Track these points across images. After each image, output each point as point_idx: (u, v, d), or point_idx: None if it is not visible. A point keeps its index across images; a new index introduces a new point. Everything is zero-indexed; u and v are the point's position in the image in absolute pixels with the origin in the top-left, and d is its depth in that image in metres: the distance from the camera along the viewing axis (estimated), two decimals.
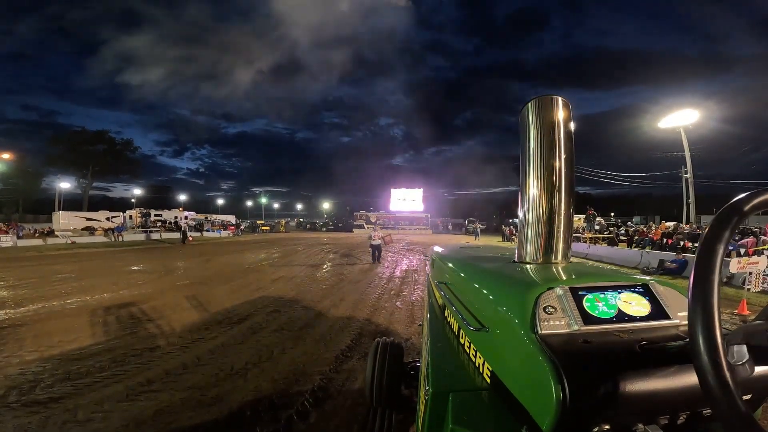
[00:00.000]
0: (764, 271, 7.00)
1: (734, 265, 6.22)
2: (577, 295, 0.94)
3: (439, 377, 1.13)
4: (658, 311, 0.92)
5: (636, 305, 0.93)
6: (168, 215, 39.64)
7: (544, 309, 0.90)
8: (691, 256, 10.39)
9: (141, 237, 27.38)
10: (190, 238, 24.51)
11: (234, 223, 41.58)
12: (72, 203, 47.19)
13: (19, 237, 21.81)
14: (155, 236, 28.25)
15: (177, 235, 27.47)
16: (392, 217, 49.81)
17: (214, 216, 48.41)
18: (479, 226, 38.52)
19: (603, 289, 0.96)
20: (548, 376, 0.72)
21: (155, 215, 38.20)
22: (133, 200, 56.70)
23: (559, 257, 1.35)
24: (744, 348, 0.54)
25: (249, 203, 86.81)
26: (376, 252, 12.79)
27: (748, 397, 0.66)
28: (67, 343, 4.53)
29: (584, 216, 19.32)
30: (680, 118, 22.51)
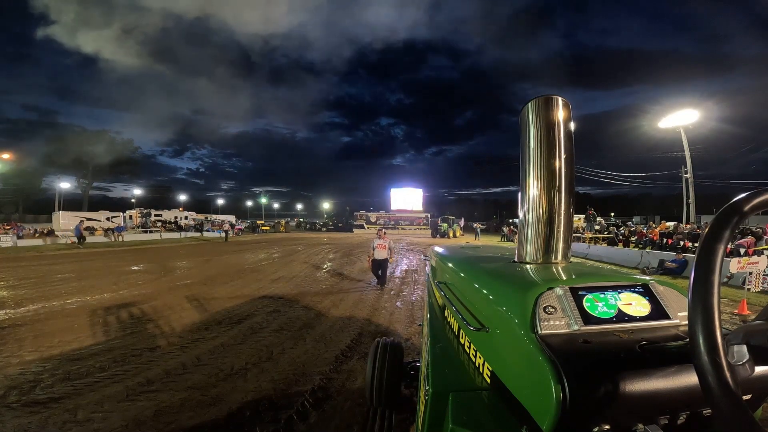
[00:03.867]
0: (764, 271, 6.99)
1: (734, 265, 6.21)
2: (577, 295, 0.94)
3: (439, 377, 1.13)
4: (658, 311, 0.92)
5: (636, 305, 0.93)
6: (168, 215, 39.64)
7: (544, 309, 0.90)
8: (691, 256, 10.39)
9: (176, 235, 31.21)
10: (232, 235, 30.30)
11: (232, 223, 41.34)
12: (72, 203, 47.28)
13: (19, 237, 21.82)
14: (195, 234, 33.00)
15: (178, 235, 30.92)
16: (392, 217, 49.75)
17: (214, 216, 48.41)
18: (480, 225, 37.43)
19: (603, 289, 0.96)
20: (548, 376, 0.72)
21: (155, 215, 38.19)
22: (133, 200, 56.79)
23: (559, 257, 1.35)
24: (744, 348, 0.54)
25: (249, 203, 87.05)
26: (379, 270, 8.03)
27: (748, 397, 0.66)
28: (67, 343, 4.53)
29: (584, 216, 19.32)
30: (680, 118, 22.52)
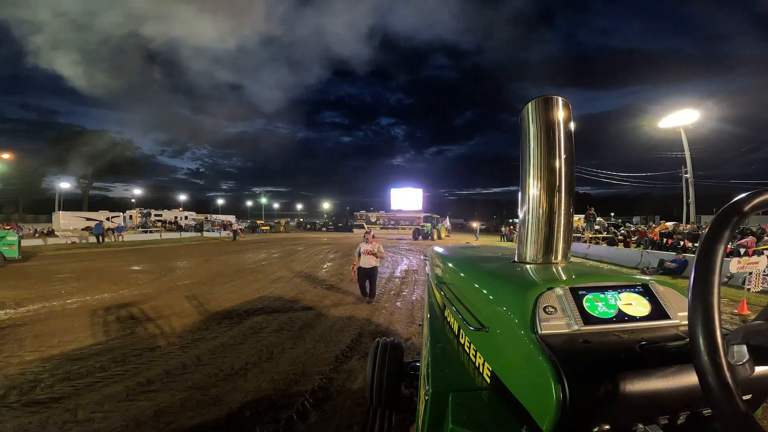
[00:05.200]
0: (764, 271, 6.99)
1: (734, 265, 6.21)
2: (577, 295, 0.94)
3: (439, 377, 1.13)
4: (658, 311, 0.92)
5: (636, 305, 0.93)
6: (168, 215, 39.64)
7: (544, 309, 0.90)
8: (691, 256, 10.39)
9: (176, 235, 31.60)
10: (241, 236, 30.89)
11: (232, 223, 41.21)
12: (72, 203, 47.23)
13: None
14: (195, 234, 33.65)
15: (178, 235, 31.21)
16: (392, 217, 49.64)
17: (215, 216, 48.42)
18: (480, 225, 36.54)
19: (603, 289, 0.96)
20: (548, 376, 0.72)
21: (155, 215, 38.19)
22: (133, 200, 56.83)
23: (559, 257, 1.34)
24: (744, 348, 0.54)
25: (249, 203, 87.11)
26: (367, 280, 6.69)
27: (748, 397, 0.66)
28: (67, 343, 4.53)
29: (584, 216, 19.30)
30: (680, 118, 22.50)
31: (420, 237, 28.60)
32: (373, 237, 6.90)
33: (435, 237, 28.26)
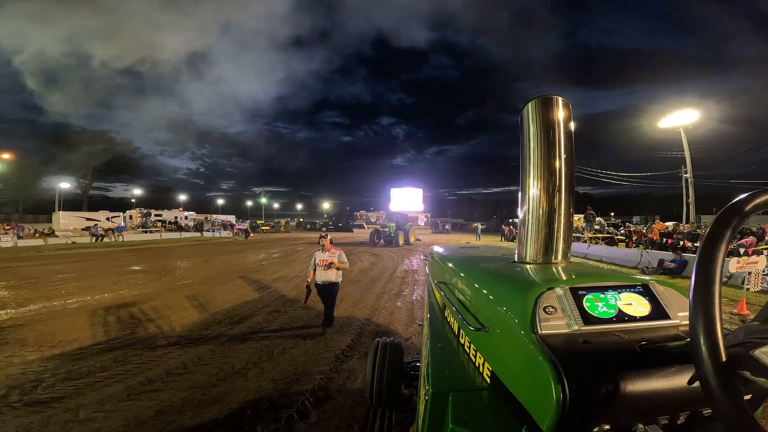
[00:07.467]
0: (763, 271, 6.99)
1: (734, 265, 6.22)
2: (577, 295, 0.94)
3: (439, 377, 1.14)
4: (658, 311, 0.92)
5: (636, 305, 0.93)
6: (168, 215, 39.66)
7: (544, 309, 0.90)
8: (690, 256, 10.38)
9: (176, 235, 32.21)
10: (252, 235, 31.73)
11: (232, 223, 41.24)
12: (72, 203, 47.28)
13: (19, 237, 21.83)
14: (196, 234, 34.31)
15: (177, 235, 31.42)
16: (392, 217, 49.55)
17: (215, 216, 48.44)
18: (480, 225, 35.87)
19: (603, 289, 0.96)
20: (548, 376, 0.72)
21: (155, 215, 38.21)
22: (133, 200, 56.90)
23: (559, 257, 1.35)
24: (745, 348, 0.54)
25: (249, 203, 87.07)
26: (326, 297, 5.05)
27: (748, 397, 0.66)
28: (68, 343, 4.54)
29: (584, 216, 19.29)
30: (680, 118, 22.51)
31: (381, 241, 21.16)
32: (332, 243, 5.22)
33: (400, 242, 20.87)
